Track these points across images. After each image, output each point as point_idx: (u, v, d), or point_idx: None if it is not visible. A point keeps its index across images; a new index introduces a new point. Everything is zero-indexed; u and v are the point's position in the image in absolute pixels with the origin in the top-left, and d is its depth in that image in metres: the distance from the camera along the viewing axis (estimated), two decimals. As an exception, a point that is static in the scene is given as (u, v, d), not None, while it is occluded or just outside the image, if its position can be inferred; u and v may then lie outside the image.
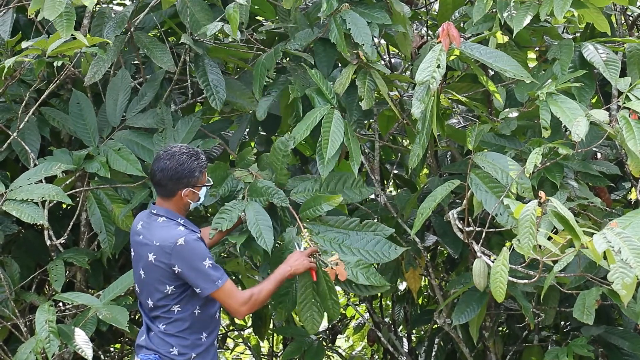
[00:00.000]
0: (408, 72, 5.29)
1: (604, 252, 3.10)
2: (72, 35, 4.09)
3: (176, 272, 3.74)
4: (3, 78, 4.38)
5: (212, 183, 4.01)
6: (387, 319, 6.83)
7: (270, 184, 4.29)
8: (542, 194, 3.28)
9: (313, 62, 4.48)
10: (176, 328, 3.83)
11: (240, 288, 4.38)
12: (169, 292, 3.79)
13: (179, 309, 3.82)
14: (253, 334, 7.26)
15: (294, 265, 3.99)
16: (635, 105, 3.76)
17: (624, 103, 3.83)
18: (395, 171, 5.96)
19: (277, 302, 4.35)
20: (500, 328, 5.77)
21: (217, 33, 4.29)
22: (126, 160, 4.56)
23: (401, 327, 6.77)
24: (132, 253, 3.94)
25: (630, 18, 5.11)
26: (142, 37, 4.71)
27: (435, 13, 5.45)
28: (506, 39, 4.34)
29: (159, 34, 5.12)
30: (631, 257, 2.97)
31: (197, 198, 3.90)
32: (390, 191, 6.22)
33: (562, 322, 5.43)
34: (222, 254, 4.79)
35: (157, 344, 3.84)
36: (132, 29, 4.67)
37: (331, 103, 4.29)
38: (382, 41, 5.28)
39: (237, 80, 4.95)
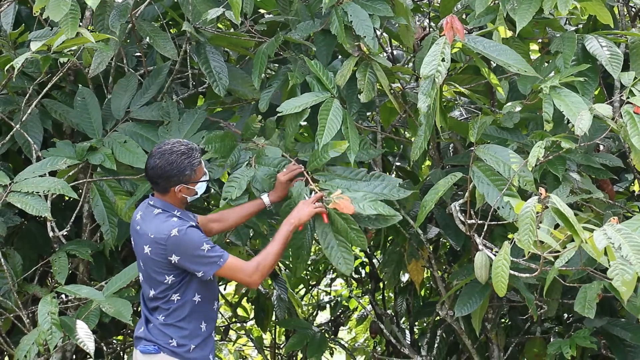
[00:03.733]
0: (410, 64, 5.27)
1: (604, 248, 3.09)
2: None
3: (173, 262, 3.73)
4: (5, 71, 4.38)
5: (208, 178, 3.96)
6: (389, 311, 6.84)
7: (277, 153, 4.30)
8: (542, 190, 3.27)
9: (314, 51, 4.47)
10: (175, 318, 3.83)
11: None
12: (170, 282, 3.79)
13: (178, 297, 3.82)
14: (255, 326, 7.27)
15: (297, 216, 3.95)
16: (639, 100, 3.74)
17: (628, 98, 3.82)
18: (398, 163, 5.95)
19: (295, 258, 4.27)
20: (503, 320, 5.77)
21: (218, 24, 4.26)
22: (132, 153, 4.53)
23: (403, 319, 6.78)
24: (133, 243, 3.94)
25: (633, 10, 5.09)
26: (144, 26, 4.68)
27: (438, 5, 5.43)
28: (509, 33, 4.33)
29: (160, 25, 5.11)
30: (631, 253, 2.95)
31: (194, 193, 3.86)
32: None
33: (565, 314, 5.43)
34: (226, 241, 4.79)
35: (156, 336, 3.84)
36: (133, 20, 4.66)
37: (331, 92, 4.27)
38: (385, 34, 5.26)
39: (239, 69, 4.93)
